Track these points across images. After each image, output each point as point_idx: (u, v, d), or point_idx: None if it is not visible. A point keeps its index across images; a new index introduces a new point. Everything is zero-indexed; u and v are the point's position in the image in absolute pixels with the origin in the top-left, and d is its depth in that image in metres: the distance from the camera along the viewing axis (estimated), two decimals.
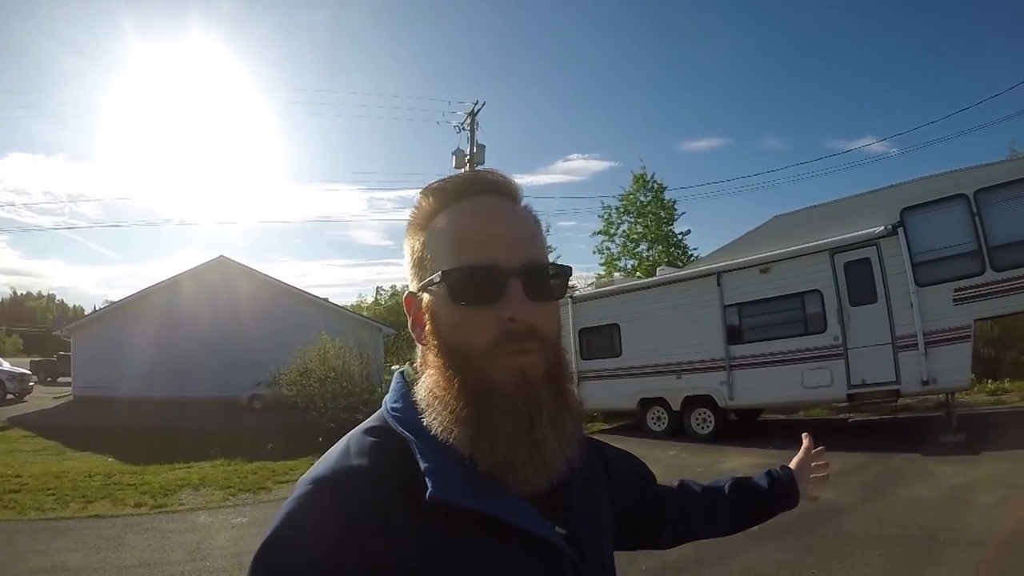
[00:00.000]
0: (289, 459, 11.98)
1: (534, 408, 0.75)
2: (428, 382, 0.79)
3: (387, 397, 0.85)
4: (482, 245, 0.78)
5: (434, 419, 0.75)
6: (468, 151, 22.75)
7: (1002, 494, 6.29)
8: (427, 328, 0.81)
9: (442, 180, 0.86)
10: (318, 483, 0.73)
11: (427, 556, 0.69)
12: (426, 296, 0.81)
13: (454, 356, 0.77)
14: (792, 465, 1.40)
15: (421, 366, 0.84)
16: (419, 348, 0.86)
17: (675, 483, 1.30)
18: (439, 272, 0.78)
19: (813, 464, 1.42)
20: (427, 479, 0.71)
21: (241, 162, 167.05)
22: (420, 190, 0.87)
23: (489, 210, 0.82)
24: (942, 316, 9.19)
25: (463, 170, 17.96)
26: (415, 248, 0.84)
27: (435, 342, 0.79)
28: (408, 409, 0.80)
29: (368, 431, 0.80)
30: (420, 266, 0.83)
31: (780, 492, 1.33)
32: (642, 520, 1.18)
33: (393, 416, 0.80)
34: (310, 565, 0.67)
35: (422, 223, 0.84)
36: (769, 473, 1.36)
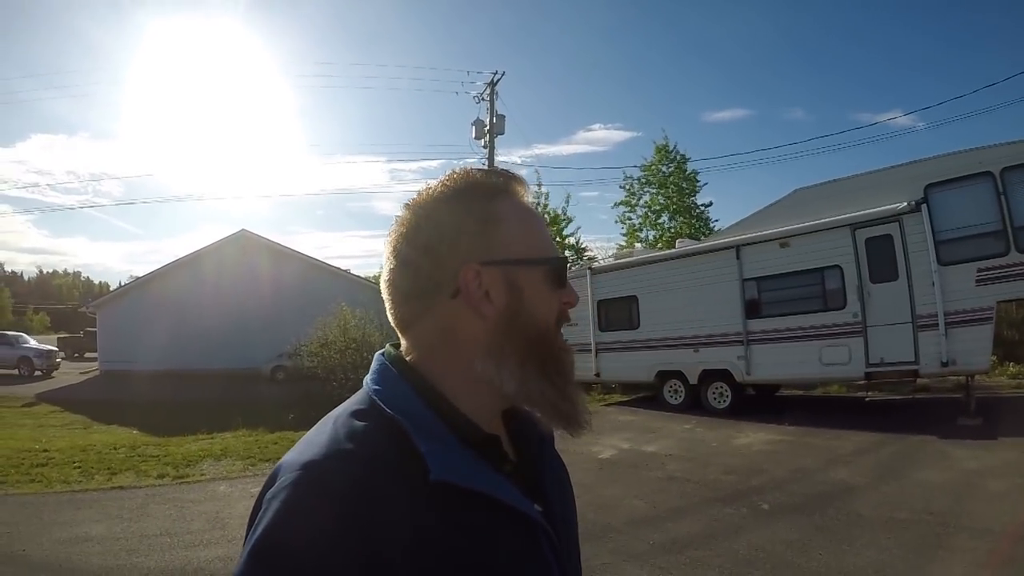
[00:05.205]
0: (309, 429, 12.04)
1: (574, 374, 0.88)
2: (499, 352, 0.81)
3: (368, 379, 0.84)
4: (549, 241, 0.89)
5: (511, 385, 0.81)
6: (488, 122, 22.50)
7: (1016, 482, 6.22)
8: (505, 302, 0.81)
9: (494, 168, 0.93)
10: (309, 468, 0.71)
11: (425, 537, 0.69)
12: (508, 272, 0.82)
13: (540, 330, 0.83)
14: None
15: (447, 340, 0.82)
16: (443, 321, 0.83)
17: None
18: (544, 256, 0.86)
19: None
20: (427, 461, 0.71)
21: (263, 136, 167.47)
22: (472, 167, 0.89)
23: (536, 211, 0.91)
24: (964, 296, 9.03)
25: (483, 142, 17.87)
26: (488, 217, 0.84)
27: (521, 316, 0.82)
28: (394, 390, 0.80)
29: (355, 413, 0.78)
30: (486, 241, 0.82)
31: None
32: None
33: (380, 398, 0.79)
34: (309, 554, 0.66)
35: (485, 198, 0.85)
36: None
